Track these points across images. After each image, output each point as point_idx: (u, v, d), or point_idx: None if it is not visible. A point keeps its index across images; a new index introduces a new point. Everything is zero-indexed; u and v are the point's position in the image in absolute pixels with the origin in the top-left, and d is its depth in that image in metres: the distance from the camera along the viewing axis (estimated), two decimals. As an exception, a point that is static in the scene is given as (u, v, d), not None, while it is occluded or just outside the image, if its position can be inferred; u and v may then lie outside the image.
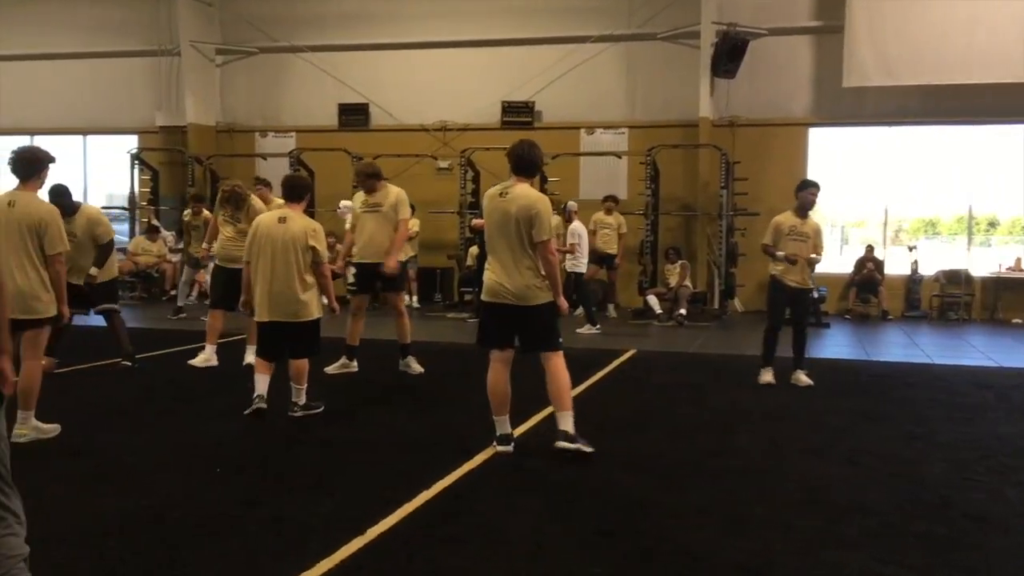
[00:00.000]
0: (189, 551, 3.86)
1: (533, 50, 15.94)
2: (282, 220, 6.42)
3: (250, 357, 8.38)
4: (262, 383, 6.48)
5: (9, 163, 5.75)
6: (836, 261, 15.23)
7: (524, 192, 5.56)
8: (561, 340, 5.71)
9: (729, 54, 14.55)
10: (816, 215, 8.46)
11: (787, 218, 8.31)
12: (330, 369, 8.35)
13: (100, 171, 17.93)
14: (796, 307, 8.40)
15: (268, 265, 6.37)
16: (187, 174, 16.36)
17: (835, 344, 11.79)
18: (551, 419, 5.79)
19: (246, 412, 6.39)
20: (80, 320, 8.84)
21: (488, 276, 5.67)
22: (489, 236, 5.67)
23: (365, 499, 4.62)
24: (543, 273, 5.54)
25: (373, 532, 4.13)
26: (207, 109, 17.10)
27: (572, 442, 5.64)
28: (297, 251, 6.34)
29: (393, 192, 8.20)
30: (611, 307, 13.96)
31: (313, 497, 4.65)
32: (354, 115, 16.75)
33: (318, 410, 6.62)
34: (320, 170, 15.95)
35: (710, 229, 14.95)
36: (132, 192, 16.38)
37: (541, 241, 5.48)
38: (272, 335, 6.47)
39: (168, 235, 15.64)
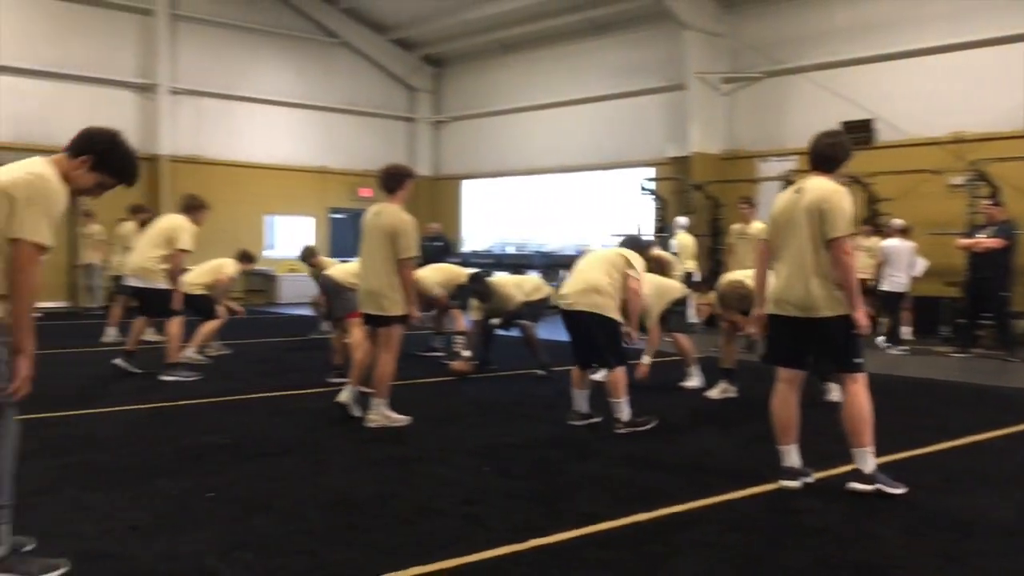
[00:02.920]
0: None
1: (1071, 40, 13.38)
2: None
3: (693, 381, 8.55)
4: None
5: (378, 178, 6.75)
6: None
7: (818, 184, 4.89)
8: (860, 361, 4.88)
9: None
10: None
11: None
12: (711, 393, 8.07)
13: (616, 204, 19.31)
14: None
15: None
16: (687, 202, 16.93)
17: None
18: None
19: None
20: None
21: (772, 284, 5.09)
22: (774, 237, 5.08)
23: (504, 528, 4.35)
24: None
25: None
26: (712, 137, 17.46)
27: (868, 483, 4.80)
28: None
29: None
30: None
31: (331, 542, 4.15)
32: (857, 132, 15.64)
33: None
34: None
35: None
36: (639, 222, 17.41)
37: (833, 239, 4.74)
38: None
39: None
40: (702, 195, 16.85)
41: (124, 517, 4.37)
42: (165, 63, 18.74)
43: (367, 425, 6.54)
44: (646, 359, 7.16)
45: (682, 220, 14.83)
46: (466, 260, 19.99)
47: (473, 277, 9.74)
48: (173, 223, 8.74)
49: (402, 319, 6.61)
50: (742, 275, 7.86)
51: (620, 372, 6.43)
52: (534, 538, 4.09)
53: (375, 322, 6.68)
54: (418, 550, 3.92)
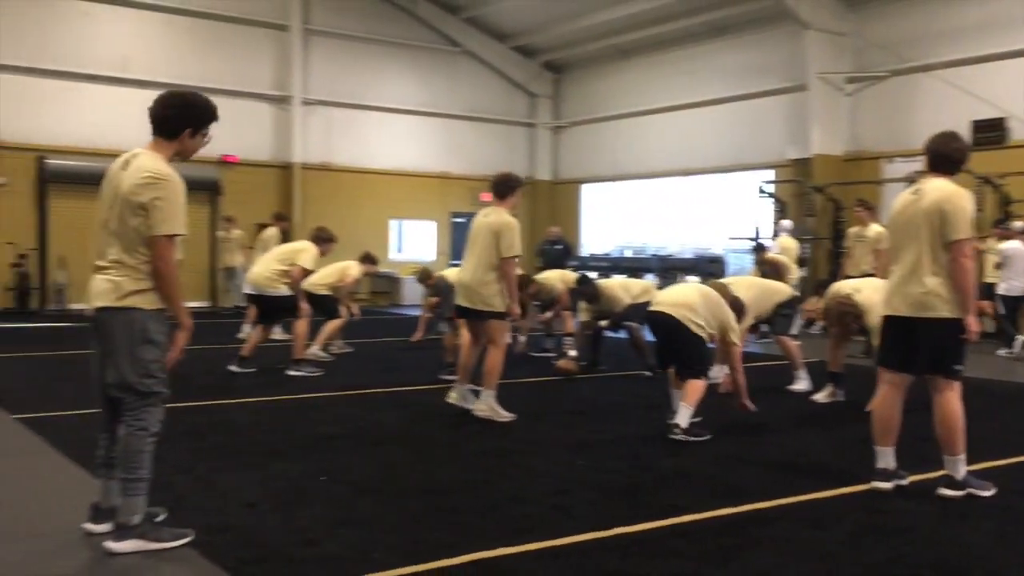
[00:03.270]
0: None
1: None
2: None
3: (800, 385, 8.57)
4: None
5: (490, 183, 7.21)
6: None
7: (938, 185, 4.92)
8: (960, 368, 4.88)
9: None
10: None
11: None
12: (818, 397, 8.08)
13: (735, 207, 19.16)
14: None
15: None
16: (808, 205, 16.69)
17: None
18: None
19: None
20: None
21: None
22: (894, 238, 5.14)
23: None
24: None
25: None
26: (834, 139, 17.12)
27: (959, 488, 4.81)
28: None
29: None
30: None
31: (428, 523, 4.66)
32: (989, 131, 15.10)
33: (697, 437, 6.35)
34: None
35: None
36: (758, 225, 17.23)
37: (954, 241, 4.76)
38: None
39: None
40: (823, 197, 16.57)
41: (245, 495, 4.81)
42: (298, 75, 19.70)
43: (475, 414, 6.90)
44: (725, 369, 7.27)
45: (786, 224, 14.72)
46: (584, 263, 20.24)
47: (581, 279, 9.98)
48: (301, 246, 9.57)
49: (501, 315, 6.93)
50: (851, 288, 7.81)
51: (699, 383, 6.47)
52: (618, 527, 4.30)
53: (472, 316, 7.06)
54: (507, 533, 4.19)
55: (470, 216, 21.61)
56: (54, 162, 16.89)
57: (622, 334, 9.90)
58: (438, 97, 21.79)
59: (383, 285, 20.64)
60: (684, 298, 6.69)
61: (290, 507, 4.61)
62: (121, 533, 3.93)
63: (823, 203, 16.61)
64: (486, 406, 6.94)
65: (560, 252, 17.81)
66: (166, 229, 3.88)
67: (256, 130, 19.41)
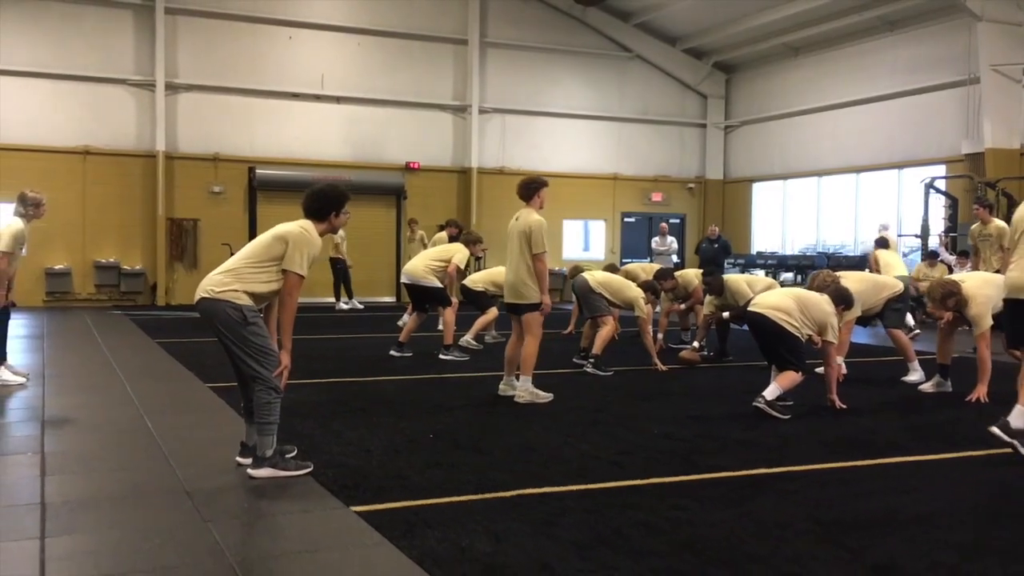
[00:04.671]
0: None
1: None
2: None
3: (914, 376, 8.88)
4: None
5: (517, 188, 7.73)
6: None
7: None
8: None
9: None
10: None
11: None
12: (925, 387, 8.36)
13: (906, 204, 18.82)
14: None
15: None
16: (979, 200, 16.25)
17: None
18: None
19: None
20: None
21: None
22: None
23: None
24: None
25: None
26: (1010, 132, 16.57)
27: (1010, 436, 5.36)
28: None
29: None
30: None
31: (499, 469, 5.57)
32: None
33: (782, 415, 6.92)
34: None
35: None
36: (925, 220, 16.94)
37: None
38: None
39: (951, 259, 15.80)
40: (996, 193, 16.09)
41: (365, 444, 5.94)
42: (475, 85, 21.10)
43: (517, 400, 7.60)
44: (839, 359, 7.67)
45: (885, 224, 14.59)
46: (751, 261, 20.50)
47: (707, 272, 10.58)
48: (455, 247, 11.14)
49: (535, 307, 7.59)
50: (958, 277, 8.09)
51: (796, 374, 7.05)
52: (656, 477, 5.08)
53: (516, 310, 7.72)
54: (559, 478, 5.06)
55: (640, 215, 22.60)
56: (262, 172, 19.11)
57: (746, 327, 10.40)
58: (609, 101, 22.62)
59: (555, 282, 21.67)
60: (779, 302, 7.29)
61: (397, 454, 5.68)
62: (257, 462, 5.12)
63: (996, 198, 16.12)
64: (525, 392, 7.61)
65: (717, 250, 18.22)
66: (297, 268, 5.06)
67: (437, 138, 21.00)
